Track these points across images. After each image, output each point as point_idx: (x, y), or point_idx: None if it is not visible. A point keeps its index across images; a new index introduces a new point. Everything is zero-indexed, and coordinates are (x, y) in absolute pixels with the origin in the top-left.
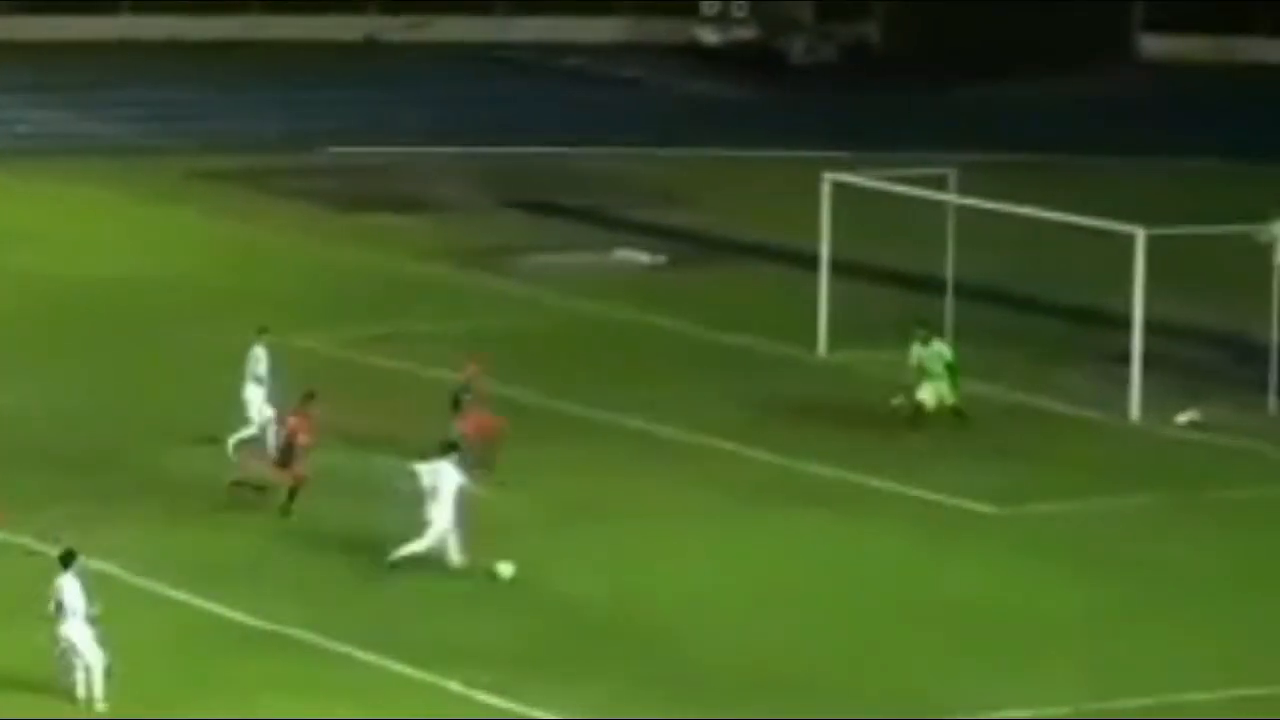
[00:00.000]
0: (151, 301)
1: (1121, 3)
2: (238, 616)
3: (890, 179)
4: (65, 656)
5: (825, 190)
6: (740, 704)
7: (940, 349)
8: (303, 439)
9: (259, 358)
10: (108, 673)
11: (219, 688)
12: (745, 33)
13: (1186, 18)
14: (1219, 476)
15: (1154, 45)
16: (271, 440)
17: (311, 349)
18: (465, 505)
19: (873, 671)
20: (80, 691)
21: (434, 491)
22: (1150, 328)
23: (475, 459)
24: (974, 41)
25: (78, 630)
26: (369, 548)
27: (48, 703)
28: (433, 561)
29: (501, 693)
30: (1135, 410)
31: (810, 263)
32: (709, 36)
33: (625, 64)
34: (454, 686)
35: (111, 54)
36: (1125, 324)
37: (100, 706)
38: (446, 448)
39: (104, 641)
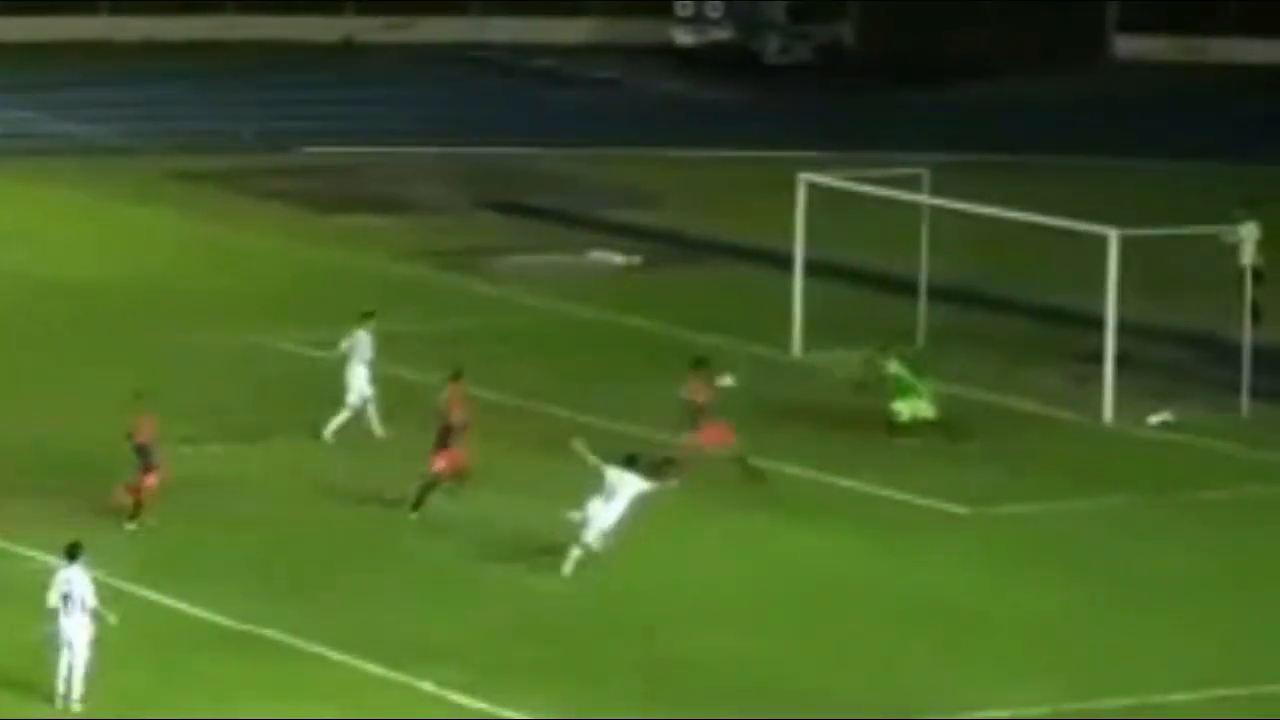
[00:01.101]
0: (128, 303)
1: (1095, 3)
2: (212, 617)
3: (864, 179)
4: (55, 651)
5: (800, 190)
6: (715, 704)
7: (899, 369)
8: (457, 416)
9: (364, 342)
10: (89, 673)
11: (194, 688)
12: (720, 33)
13: (1160, 18)
14: (1192, 477)
15: (1128, 46)
16: (372, 416)
17: (288, 350)
18: (636, 509)
19: (849, 672)
20: (60, 688)
21: (611, 492)
22: (1123, 328)
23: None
24: (948, 42)
25: (78, 626)
26: (344, 547)
27: (24, 702)
28: (417, 559)
29: (474, 693)
30: (1108, 411)
31: (785, 263)
32: (684, 37)
33: (600, 64)
34: (427, 687)
35: (88, 54)
36: (1098, 324)
37: (77, 707)
38: (628, 460)
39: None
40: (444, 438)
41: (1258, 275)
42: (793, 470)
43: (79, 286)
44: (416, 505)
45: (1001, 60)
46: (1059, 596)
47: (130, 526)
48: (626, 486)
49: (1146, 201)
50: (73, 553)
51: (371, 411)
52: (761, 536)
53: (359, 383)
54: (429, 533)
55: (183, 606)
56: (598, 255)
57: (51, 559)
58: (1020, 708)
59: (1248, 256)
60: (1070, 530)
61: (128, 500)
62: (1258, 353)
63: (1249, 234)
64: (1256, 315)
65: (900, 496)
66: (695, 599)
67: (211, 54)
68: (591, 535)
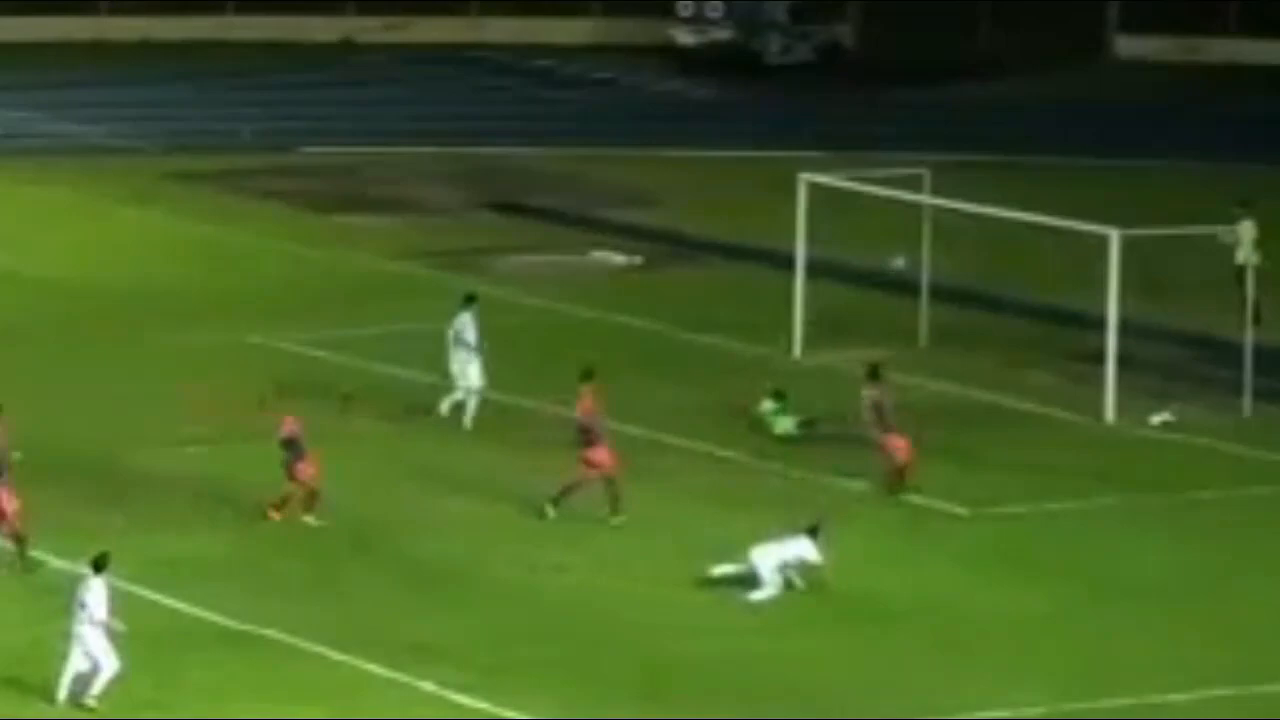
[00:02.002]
0: (126, 303)
1: (1095, 3)
2: (212, 617)
3: (864, 179)
4: (65, 654)
5: (800, 190)
6: (714, 704)
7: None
8: (593, 416)
9: (466, 325)
10: (116, 680)
11: (193, 688)
12: (721, 33)
13: (1160, 19)
14: (1194, 477)
15: (1128, 46)
16: (471, 406)
17: (288, 350)
18: (800, 570)
19: (850, 673)
20: (62, 694)
21: (784, 544)
22: (1124, 328)
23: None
24: (948, 42)
25: (90, 634)
26: (344, 547)
27: (25, 702)
28: (417, 559)
29: (474, 693)
30: (1109, 411)
31: (786, 263)
32: (685, 37)
33: (600, 64)
34: (428, 687)
35: (86, 54)
36: (1099, 324)
37: (91, 702)
38: (812, 530)
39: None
40: (590, 440)
41: (1255, 274)
42: (792, 471)
43: (77, 287)
44: (615, 510)
45: (1001, 60)
46: (1059, 596)
47: (310, 520)
48: (796, 545)
49: (1146, 201)
50: (98, 565)
51: (472, 405)
52: (761, 537)
53: (469, 371)
54: (429, 533)
55: (182, 607)
56: (598, 255)
57: (49, 559)
58: (1020, 708)
59: (1244, 255)
60: (1070, 530)
61: (297, 494)
62: (1258, 353)
63: (1245, 233)
64: (1258, 316)
65: (900, 497)
66: (692, 600)
67: (210, 54)
68: (768, 580)
